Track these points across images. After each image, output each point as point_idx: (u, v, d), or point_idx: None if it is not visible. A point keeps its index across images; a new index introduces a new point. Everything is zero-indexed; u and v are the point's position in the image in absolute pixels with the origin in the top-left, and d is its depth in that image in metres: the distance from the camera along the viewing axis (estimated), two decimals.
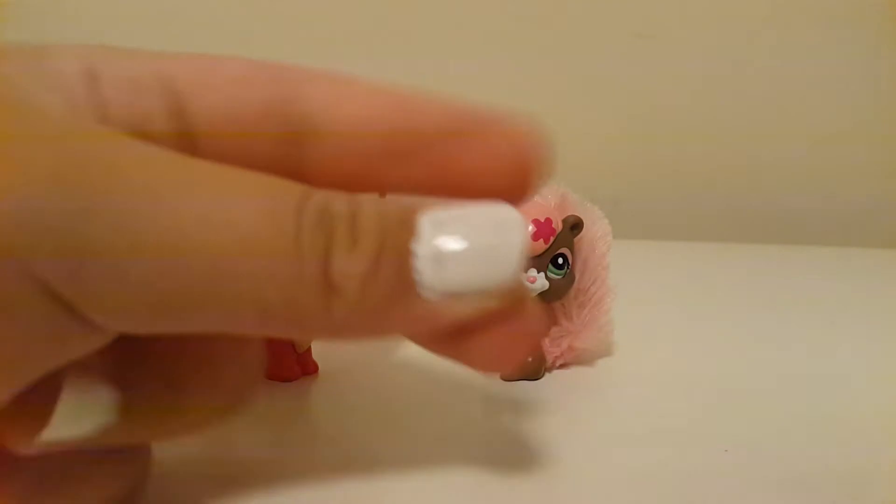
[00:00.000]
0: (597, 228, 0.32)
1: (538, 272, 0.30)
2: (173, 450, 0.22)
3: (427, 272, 0.16)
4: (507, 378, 0.31)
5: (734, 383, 0.32)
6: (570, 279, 0.31)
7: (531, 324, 0.18)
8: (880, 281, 0.53)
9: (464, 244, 0.16)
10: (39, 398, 0.16)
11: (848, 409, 0.29)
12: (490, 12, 0.61)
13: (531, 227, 0.30)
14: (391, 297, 0.16)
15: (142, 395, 0.18)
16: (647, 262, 0.52)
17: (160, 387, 0.18)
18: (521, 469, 0.23)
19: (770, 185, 0.65)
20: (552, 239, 0.30)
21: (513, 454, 0.25)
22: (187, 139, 0.17)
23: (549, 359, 0.32)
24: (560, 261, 0.30)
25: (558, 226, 0.30)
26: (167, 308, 0.15)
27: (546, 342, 0.32)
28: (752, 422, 0.28)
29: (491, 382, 0.31)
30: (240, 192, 0.15)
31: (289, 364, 0.30)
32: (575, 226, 0.31)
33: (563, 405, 0.29)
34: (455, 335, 0.18)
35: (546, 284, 0.30)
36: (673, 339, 0.37)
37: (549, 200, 0.31)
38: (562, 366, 0.32)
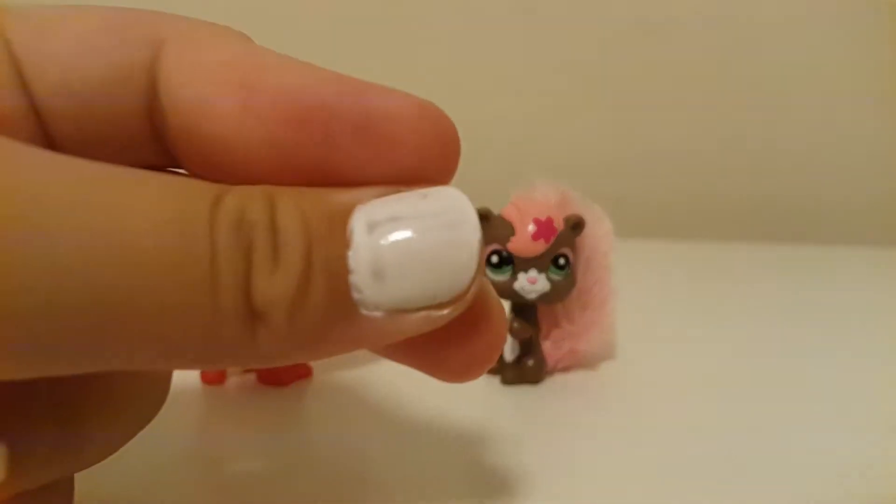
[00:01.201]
0: (599, 227, 0.32)
1: (539, 273, 0.29)
2: (167, 452, 0.22)
3: (366, 288, 0.14)
4: (507, 381, 0.31)
5: (740, 387, 0.31)
6: (571, 280, 0.30)
7: (497, 327, 0.16)
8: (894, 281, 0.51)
9: (408, 249, 0.14)
10: None
11: (860, 414, 0.28)
12: (490, 5, 0.61)
13: (531, 227, 0.29)
14: (326, 320, 0.14)
15: (33, 441, 0.15)
16: (650, 262, 0.50)
17: (54, 430, 0.16)
18: (519, 475, 0.23)
19: (778, 180, 0.64)
20: (553, 238, 0.29)
21: (512, 460, 0.24)
22: (40, 123, 0.15)
23: (550, 362, 0.32)
24: (561, 261, 0.30)
25: (559, 225, 0.30)
26: (52, 353, 0.12)
27: (547, 344, 0.32)
28: (760, 426, 0.27)
29: (490, 387, 0.30)
30: (135, 204, 0.12)
31: (282, 368, 0.29)
32: (576, 225, 0.30)
33: (565, 409, 0.28)
34: (413, 345, 0.16)
35: (547, 285, 0.30)
36: (677, 341, 0.36)
37: (549, 199, 0.30)
38: (563, 369, 0.32)
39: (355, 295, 0.14)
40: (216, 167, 0.15)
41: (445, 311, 0.14)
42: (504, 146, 0.61)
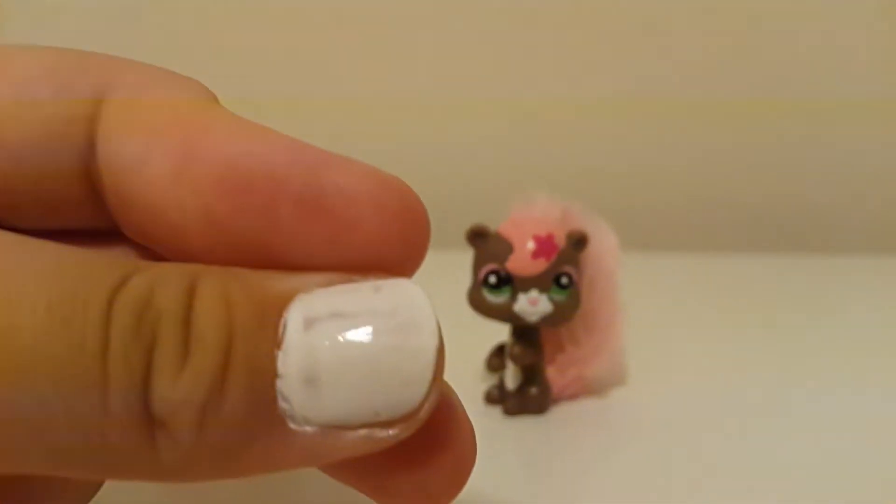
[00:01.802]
0: (604, 242, 0.31)
1: (540, 293, 0.29)
2: None
3: (296, 398, 0.12)
4: (510, 412, 0.30)
5: (762, 415, 0.30)
6: (575, 300, 0.30)
7: (463, 451, 0.15)
8: None
9: (349, 353, 0.12)
10: None
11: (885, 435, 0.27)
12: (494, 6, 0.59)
13: (531, 245, 0.28)
14: (244, 433, 0.12)
15: None
16: (661, 278, 0.47)
17: None
18: None
19: (797, 187, 0.61)
20: (554, 256, 0.29)
21: (516, 495, 0.23)
22: None
23: (556, 389, 0.31)
24: (564, 280, 0.29)
25: (561, 242, 0.29)
26: None
27: (552, 371, 0.31)
28: (784, 460, 0.26)
29: (491, 418, 0.29)
30: (16, 284, 0.11)
31: None
32: (579, 241, 0.30)
33: (572, 440, 0.28)
34: (357, 467, 0.14)
35: (550, 307, 0.29)
36: (693, 364, 0.35)
37: (550, 214, 0.30)
38: (570, 397, 0.31)
39: (282, 405, 0.12)
40: (151, 237, 0.14)
41: (391, 432, 0.13)
42: (502, 159, 0.59)
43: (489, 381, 0.31)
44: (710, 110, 0.59)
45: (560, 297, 0.29)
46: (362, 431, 0.13)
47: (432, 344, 0.13)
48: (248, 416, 0.12)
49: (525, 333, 0.30)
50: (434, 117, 0.54)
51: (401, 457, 0.14)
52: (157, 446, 0.12)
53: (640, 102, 0.59)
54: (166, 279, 0.12)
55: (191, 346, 0.12)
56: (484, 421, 0.28)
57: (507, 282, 0.29)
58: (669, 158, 0.60)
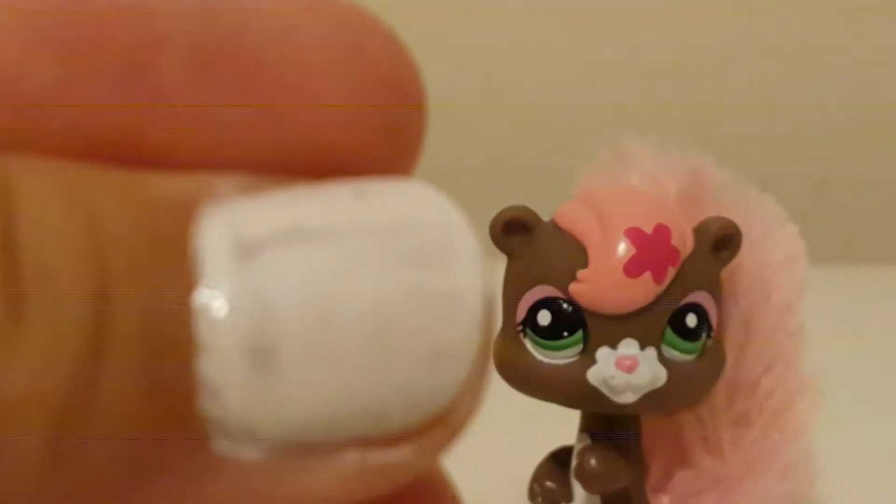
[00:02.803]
0: (774, 245, 0.24)
1: (643, 347, 0.22)
2: None
3: (234, 391, 0.09)
4: None
5: None
6: (713, 361, 0.23)
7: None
8: None
9: (330, 301, 0.09)
10: None
11: None
12: None
13: (623, 247, 0.21)
14: (130, 465, 0.09)
15: None
16: (878, 311, 0.40)
17: None
18: None
19: None
20: (672, 272, 0.22)
21: None
22: None
23: None
24: (692, 320, 0.22)
25: (685, 241, 0.22)
26: None
27: (664, 501, 0.25)
28: None
29: None
30: None
31: None
32: (723, 240, 0.22)
33: None
34: None
35: (662, 373, 0.22)
36: None
37: (664, 183, 0.24)
38: None
39: (206, 405, 0.09)
40: None
41: (404, 453, 0.09)
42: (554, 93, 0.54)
43: None
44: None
45: (682, 354, 0.23)
46: (351, 456, 0.09)
47: (475, 284, 0.09)
48: (136, 427, 0.09)
49: (611, 426, 0.24)
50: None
51: None
52: None
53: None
54: None
55: (23, 302, 0.08)
56: None
57: (574, 323, 0.22)
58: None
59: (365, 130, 0.10)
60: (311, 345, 0.09)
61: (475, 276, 0.09)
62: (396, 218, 0.10)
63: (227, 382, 0.09)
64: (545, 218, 0.23)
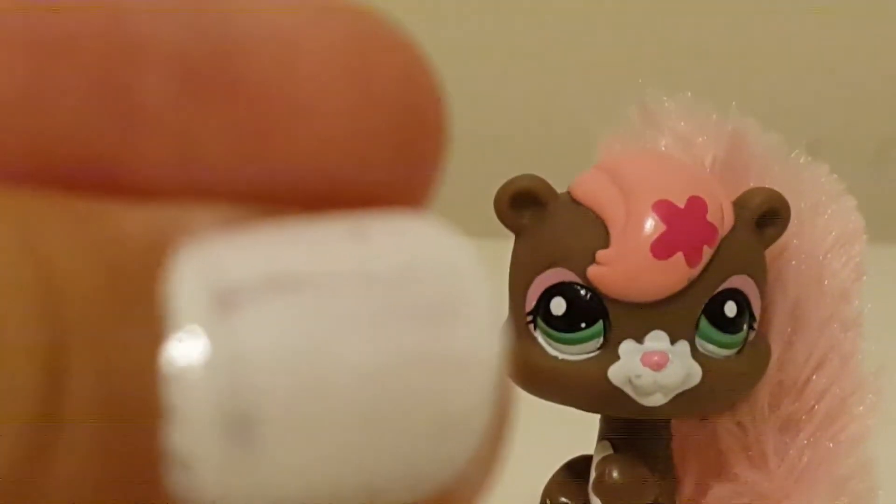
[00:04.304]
0: (827, 221, 0.22)
1: (674, 341, 0.20)
2: None
3: (209, 463, 0.08)
4: None
5: None
6: (755, 357, 0.21)
7: None
8: None
9: (321, 365, 0.08)
10: None
11: None
12: None
13: (651, 223, 0.19)
14: None
15: None
16: None
17: None
18: None
19: None
20: (708, 252, 0.20)
21: None
22: None
23: None
24: (731, 308, 0.20)
25: (723, 217, 0.20)
26: None
27: None
28: None
29: None
30: None
31: None
32: (768, 215, 0.21)
33: None
34: None
35: (694, 371, 0.20)
36: None
37: (698, 148, 0.22)
38: None
39: (174, 478, 0.08)
40: None
41: None
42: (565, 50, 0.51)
43: None
44: None
45: (720, 348, 0.21)
46: None
47: (489, 342, 0.08)
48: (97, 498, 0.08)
49: (637, 432, 0.22)
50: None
51: None
52: None
53: None
54: None
55: None
56: None
57: (594, 312, 0.20)
58: None
59: (369, 158, 0.09)
60: (296, 413, 0.08)
61: (489, 331, 0.09)
62: (399, 263, 0.09)
63: (200, 454, 0.08)
64: (560, 190, 0.21)
